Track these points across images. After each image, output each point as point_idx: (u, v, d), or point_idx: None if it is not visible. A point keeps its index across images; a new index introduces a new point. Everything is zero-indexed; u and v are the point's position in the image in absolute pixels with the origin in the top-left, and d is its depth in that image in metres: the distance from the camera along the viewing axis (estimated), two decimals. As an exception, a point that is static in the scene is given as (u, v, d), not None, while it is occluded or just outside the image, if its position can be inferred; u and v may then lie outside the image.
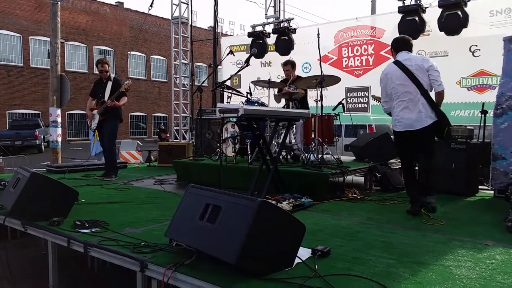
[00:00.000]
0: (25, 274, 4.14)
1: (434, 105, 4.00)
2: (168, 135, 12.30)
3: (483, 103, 6.13)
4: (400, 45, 4.22)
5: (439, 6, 6.66)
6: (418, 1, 6.91)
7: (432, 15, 6.86)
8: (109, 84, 6.55)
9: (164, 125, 32.36)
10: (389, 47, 8.00)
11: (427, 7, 6.95)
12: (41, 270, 3.85)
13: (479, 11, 6.94)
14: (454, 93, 7.50)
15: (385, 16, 8.43)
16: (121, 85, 6.48)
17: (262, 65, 10.02)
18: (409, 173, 4.42)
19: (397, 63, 4.08)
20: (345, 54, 8.78)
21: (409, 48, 4.18)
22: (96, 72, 7.25)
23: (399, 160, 6.34)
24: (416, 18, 6.85)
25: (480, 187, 5.55)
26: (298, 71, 6.99)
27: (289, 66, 6.61)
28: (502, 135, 4.97)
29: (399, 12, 7.04)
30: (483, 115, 5.88)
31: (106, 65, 6.62)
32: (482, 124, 5.88)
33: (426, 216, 4.05)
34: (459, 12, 6.43)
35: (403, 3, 7.00)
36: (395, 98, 4.12)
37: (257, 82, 6.58)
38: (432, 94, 4.08)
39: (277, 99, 6.75)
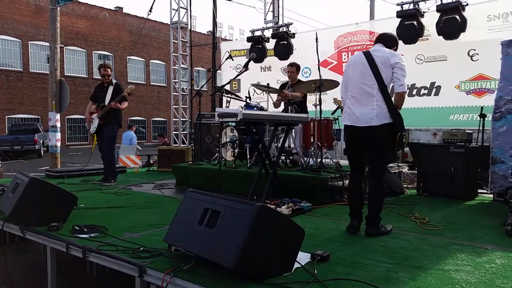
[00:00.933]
0: (24, 279, 4.12)
1: (390, 105, 3.48)
2: (166, 139, 12.29)
3: (482, 107, 6.14)
4: (378, 39, 3.81)
5: (437, 11, 6.69)
6: (417, 6, 6.94)
7: (431, 20, 6.89)
8: (110, 88, 6.57)
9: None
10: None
11: (425, 12, 6.98)
12: (40, 275, 3.84)
13: (477, 16, 6.98)
14: (453, 97, 7.53)
15: (384, 21, 8.48)
16: (122, 90, 6.50)
17: (262, 69, 10.05)
18: (352, 180, 3.88)
19: (365, 52, 3.68)
20: (345, 59, 8.82)
21: (385, 42, 3.72)
22: (95, 76, 7.29)
23: (398, 164, 6.37)
24: (415, 23, 6.88)
25: (479, 190, 5.56)
26: (299, 76, 7.03)
27: (295, 68, 6.61)
28: (501, 139, 4.97)
29: (397, 16, 7.08)
30: (481, 119, 5.90)
31: (109, 69, 6.66)
32: (480, 127, 5.89)
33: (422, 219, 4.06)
34: (457, 17, 6.47)
35: (402, 7, 7.04)
36: (351, 88, 3.66)
37: (256, 86, 6.60)
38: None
39: (277, 105, 6.76)
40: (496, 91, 5.31)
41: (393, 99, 3.54)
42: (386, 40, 3.73)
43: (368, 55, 3.59)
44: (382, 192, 3.68)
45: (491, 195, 5.29)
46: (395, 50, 3.75)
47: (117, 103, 6.43)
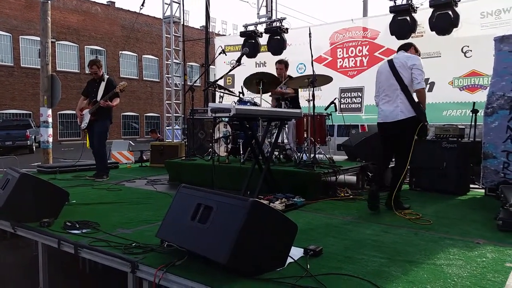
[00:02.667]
0: (16, 276, 4.09)
1: (412, 101, 4.14)
2: (159, 135, 12.21)
3: (474, 103, 6.18)
4: (399, 48, 4.51)
5: (430, 6, 6.70)
6: (410, 1, 6.94)
7: (425, 16, 6.90)
8: (103, 84, 6.50)
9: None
10: (383, 48, 8.19)
11: (417, 7, 6.99)
12: (31, 271, 3.81)
13: (471, 13, 7.01)
14: (446, 93, 7.56)
15: (379, 17, 8.48)
16: (114, 86, 6.45)
17: (257, 65, 10.01)
18: (378, 167, 4.66)
19: (389, 60, 4.37)
20: (339, 55, 8.81)
21: (403, 48, 4.43)
22: (87, 71, 7.22)
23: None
24: (408, 18, 6.88)
25: (471, 186, 5.59)
26: (293, 72, 7.01)
27: (283, 65, 6.63)
28: (492, 134, 5.00)
29: (390, 11, 7.07)
30: (474, 114, 5.93)
31: (95, 66, 6.52)
32: (473, 123, 5.92)
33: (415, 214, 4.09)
34: (450, 12, 6.48)
35: (395, 3, 7.03)
36: (381, 92, 4.39)
37: (250, 81, 6.54)
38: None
39: (273, 104, 6.74)
40: (488, 87, 5.34)
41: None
42: (404, 46, 4.45)
43: (390, 63, 4.29)
44: (402, 170, 4.24)
45: (483, 190, 5.32)
46: (414, 49, 4.42)
47: (108, 101, 6.37)
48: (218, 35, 27.67)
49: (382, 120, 4.38)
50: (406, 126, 4.14)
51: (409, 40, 7.09)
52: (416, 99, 4.18)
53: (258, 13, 10.17)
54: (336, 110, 6.46)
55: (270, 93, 6.48)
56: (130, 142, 11.44)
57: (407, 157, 4.18)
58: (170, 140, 10.50)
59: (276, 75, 6.61)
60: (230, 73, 6.91)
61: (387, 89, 4.29)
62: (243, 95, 6.40)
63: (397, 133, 4.24)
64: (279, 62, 6.72)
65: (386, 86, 4.30)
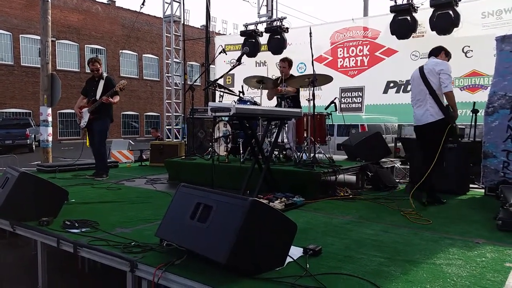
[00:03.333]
0: (14, 275, 4.09)
1: (441, 105, 4.47)
2: (159, 133, 12.20)
3: (474, 103, 6.17)
4: (429, 53, 4.76)
5: (431, 6, 6.70)
6: (410, 1, 6.94)
7: (425, 15, 6.89)
8: (101, 82, 6.49)
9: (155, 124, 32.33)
10: (384, 48, 8.18)
11: (418, 7, 6.99)
12: (30, 270, 3.80)
13: (472, 13, 7.00)
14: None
15: (380, 17, 8.46)
16: (114, 84, 6.43)
17: (257, 64, 9.99)
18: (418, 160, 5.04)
19: (420, 67, 4.68)
20: (340, 54, 8.79)
21: (433, 53, 4.70)
22: (87, 70, 7.20)
23: (391, 159, 6.40)
24: (408, 18, 6.87)
25: (471, 185, 5.59)
26: (293, 71, 7.00)
27: (287, 63, 6.59)
28: (493, 133, 5.00)
29: (391, 11, 7.07)
30: (474, 114, 5.92)
31: (97, 64, 6.53)
32: (473, 123, 5.92)
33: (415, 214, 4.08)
34: (451, 12, 6.47)
35: (395, 2, 7.02)
36: (413, 97, 4.76)
37: (250, 79, 6.54)
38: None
39: (270, 96, 6.73)
40: (489, 87, 5.33)
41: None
42: (433, 51, 4.71)
43: (421, 69, 4.63)
44: (428, 168, 4.44)
45: (483, 190, 5.32)
46: (445, 54, 4.65)
47: (109, 98, 6.36)
48: (219, 34, 27.67)
49: (415, 124, 4.77)
50: (435, 128, 4.45)
51: (411, 39, 7.15)
52: (445, 102, 4.47)
53: (258, 13, 10.17)
54: (336, 110, 6.46)
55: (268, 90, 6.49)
56: (130, 141, 11.43)
57: (434, 157, 4.38)
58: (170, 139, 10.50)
59: (279, 73, 6.60)
60: (230, 72, 6.89)
61: (418, 94, 4.65)
62: (243, 94, 6.39)
63: (427, 134, 4.59)
64: (282, 60, 6.67)
65: (417, 91, 4.66)
